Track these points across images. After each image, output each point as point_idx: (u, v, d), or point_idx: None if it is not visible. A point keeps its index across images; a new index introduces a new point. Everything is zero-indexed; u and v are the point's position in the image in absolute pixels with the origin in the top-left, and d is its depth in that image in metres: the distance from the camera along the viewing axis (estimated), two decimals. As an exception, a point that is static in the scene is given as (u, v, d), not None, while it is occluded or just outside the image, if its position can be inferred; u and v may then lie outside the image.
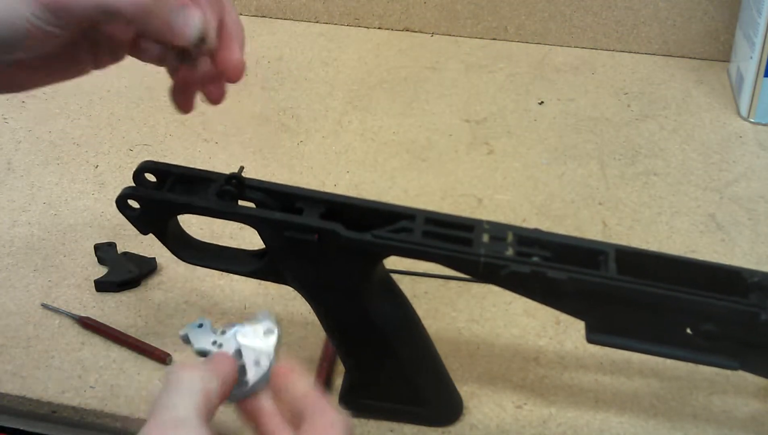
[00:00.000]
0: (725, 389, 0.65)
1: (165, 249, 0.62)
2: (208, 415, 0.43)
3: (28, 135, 0.95)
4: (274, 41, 1.13)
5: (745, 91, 0.95)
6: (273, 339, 0.49)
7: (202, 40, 0.51)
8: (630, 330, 0.56)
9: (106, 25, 0.53)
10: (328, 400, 0.46)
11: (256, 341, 0.49)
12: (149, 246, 0.77)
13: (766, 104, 0.94)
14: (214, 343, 0.49)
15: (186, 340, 0.49)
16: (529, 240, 0.56)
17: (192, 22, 0.49)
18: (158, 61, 0.57)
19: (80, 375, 0.67)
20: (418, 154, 0.92)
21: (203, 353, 0.48)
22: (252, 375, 0.48)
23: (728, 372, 0.63)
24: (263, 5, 1.18)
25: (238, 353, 0.48)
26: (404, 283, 0.62)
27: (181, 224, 0.63)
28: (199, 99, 0.57)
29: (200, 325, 0.49)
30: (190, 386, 0.43)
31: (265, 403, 0.47)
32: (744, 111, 0.96)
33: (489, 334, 0.70)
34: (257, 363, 0.48)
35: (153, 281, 0.75)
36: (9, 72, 0.52)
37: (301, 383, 0.47)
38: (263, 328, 0.49)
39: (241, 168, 0.58)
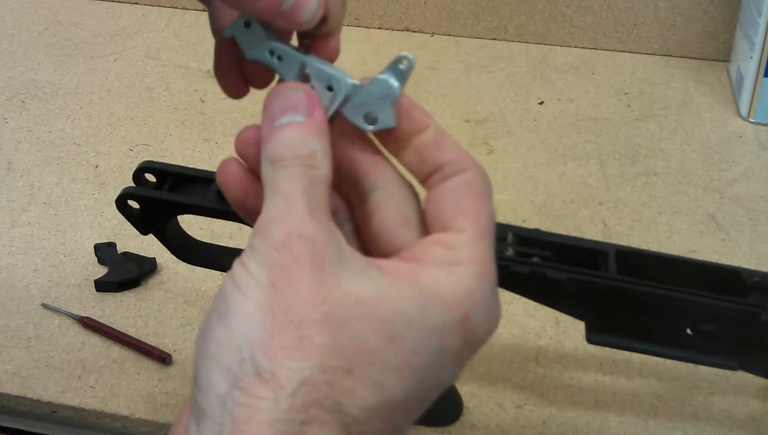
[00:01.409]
0: (725, 389, 0.65)
1: (165, 249, 0.63)
2: (323, 205, 0.36)
3: (28, 135, 0.95)
4: (274, 41, 1.13)
5: (745, 91, 0.95)
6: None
7: (322, 22, 0.40)
8: (630, 330, 0.56)
9: None
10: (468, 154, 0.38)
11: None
12: (149, 246, 0.77)
13: (766, 104, 0.94)
14: (272, 53, 0.40)
15: (230, 38, 0.40)
16: (529, 240, 0.56)
17: (307, 5, 0.38)
18: None
19: (80, 375, 0.67)
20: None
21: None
22: (325, 105, 0.38)
23: (728, 372, 0.63)
24: (263, 5, 1.18)
25: (302, 72, 0.39)
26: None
27: (181, 224, 0.63)
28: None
29: (247, 24, 0.40)
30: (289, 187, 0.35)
31: (354, 141, 0.39)
32: (744, 111, 0.96)
33: (489, 334, 0.69)
34: (329, 87, 0.39)
35: (153, 281, 0.75)
36: None
37: (433, 125, 0.39)
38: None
39: (241, 168, 0.58)
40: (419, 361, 0.33)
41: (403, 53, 0.38)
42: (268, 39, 0.40)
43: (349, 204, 0.40)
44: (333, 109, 0.39)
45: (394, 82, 0.38)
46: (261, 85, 0.44)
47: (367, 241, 0.39)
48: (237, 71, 0.43)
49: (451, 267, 0.35)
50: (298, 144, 0.36)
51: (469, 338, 0.35)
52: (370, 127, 0.39)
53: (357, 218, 0.40)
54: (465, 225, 0.37)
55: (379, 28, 1.15)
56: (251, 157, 0.39)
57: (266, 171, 0.36)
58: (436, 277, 0.35)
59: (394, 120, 0.38)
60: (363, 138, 0.39)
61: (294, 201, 0.35)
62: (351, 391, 0.32)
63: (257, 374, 0.32)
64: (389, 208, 0.38)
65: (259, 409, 0.32)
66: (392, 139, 0.39)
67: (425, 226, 0.38)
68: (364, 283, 0.34)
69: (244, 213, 0.40)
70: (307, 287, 0.33)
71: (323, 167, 0.36)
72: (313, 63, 0.39)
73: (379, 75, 0.39)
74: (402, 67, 0.38)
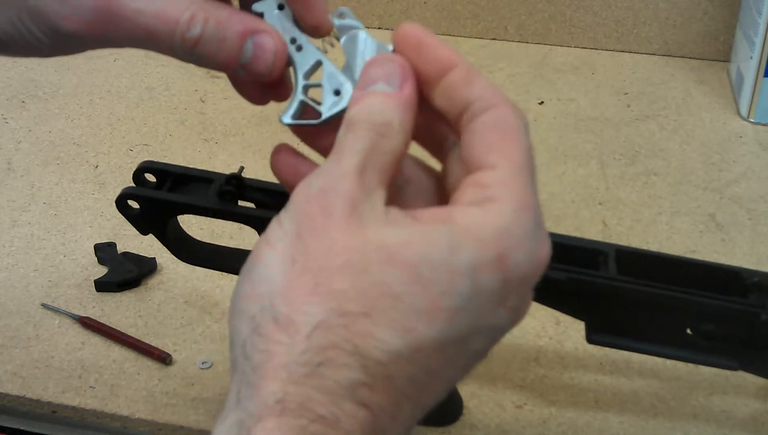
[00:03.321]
0: (725, 389, 0.65)
1: (165, 249, 0.62)
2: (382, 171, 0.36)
3: (28, 135, 0.95)
4: (274, 41, 1.13)
5: (745, 91, 0.95)
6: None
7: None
8: (630, 330, 0.56)
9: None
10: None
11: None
12: (149, 246, 0.77)
13: (766, 104, 0.94)
14: (293, 41, 0.40)
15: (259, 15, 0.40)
16: (529, 240, 0.56)
17: (265, 57, 0.40)
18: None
19: (80, 375, 0.67)
20: (418, 154, 0.91)
21: None
22: (327, 106, 0.39)
23: (728, 372, 0.63)
24: (263, 5, 1.18)
25: (315, 68, 0.40)
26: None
27: (181, 224, 0.63)
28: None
29: (281, 6, 0.40)
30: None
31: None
32: (744, 111, 0.96)
33: (489, 334, 0.69)
34: (337, 92, 0.39)
35: (153, 281, 0.75)
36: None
37: (463, 64, 0.37)
38: (375, 54, 0.39)
39: (241, 168, 0.58)
40: (450, 303, 0.33)
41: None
42: (294, 26, 0.40)
43: (427, 171, 0.40)
44: (333, 112, 0.39)
45: None
46: (278, 98, 0.44)
47: (443, 202, 0.39)
48: (253, 85, 0.44)
49: (486, 204, 0.34)
50: (376, 111, 0.36)
51: (510, 277, 0.34)
52: None
53: (439, 180, 0.40)
54: (497, 161, 0.35)
55: (379, 28, 1.15)
56: (284, 177, 0.41)
57: (340, 133, 0.37)
58: (469, 216, 0.34)
59: None
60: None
61: (344, 159, 0.35)
62: (370, 334, 0.32)
63: (275, 320, 0.32)
64: (459, 162, 0.38)
65: (275, 353, 0.32)
66: (423, 82, 0.38)
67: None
68: (390, 230, 0.34)
69: None
70: (330, 237, 0.33)
71: (395, 139, 0.36)
72: (329, 64, 0.40)
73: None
74: None
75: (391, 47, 0.39)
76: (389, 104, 0.36)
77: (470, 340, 0.34)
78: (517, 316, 0.36)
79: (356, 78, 0.39)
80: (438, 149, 0.40)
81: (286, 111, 0.40)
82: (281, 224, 0.35)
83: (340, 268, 0.33)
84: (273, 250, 0.34)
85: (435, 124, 0.39)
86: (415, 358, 0.32)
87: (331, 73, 0.39)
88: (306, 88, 0.40)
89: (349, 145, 0.35)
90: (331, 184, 0.34)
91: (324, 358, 0.32)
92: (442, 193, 0.39)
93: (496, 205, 0.34)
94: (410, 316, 0.32)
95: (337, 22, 0.40)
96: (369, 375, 0.32)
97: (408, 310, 0.32)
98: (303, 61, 0.40)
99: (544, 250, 0.36)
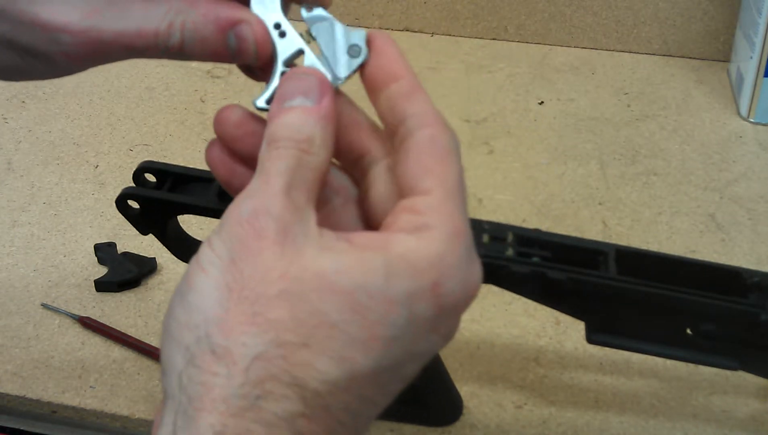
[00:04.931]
0: (725, 389, 0.65)
1: (165, 249, 0.63)
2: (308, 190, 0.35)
3: (28, 135, 0.95)
4: (274, 41, 1.13)
5: (745, 91, 0.95)
6: (355, 62, 0.39)
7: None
8: (630, 330, 0.56)
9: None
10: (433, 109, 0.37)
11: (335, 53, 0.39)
12: (149, 246, 0.77)
13: (766, 104, 0.94)
14: (278, 26, 0.40)
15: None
16: (529, 240, 0.56)
17: (246, 46, 0.40)
18: None
19: (80, 375, 0.67)
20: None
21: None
22: None
23: (728, 372, 0.63)
24: (263, 5, 1.18)
25: (296, 56, 0.40)
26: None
27: (181, 224, 0.63)
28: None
29: None
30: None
31: (355, 124, 0.40)
32: (744, 111, 0.96)
33: (489, 334, 0.70)
34: None
35: (153, 281, 0.75)
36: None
37: (408, 77, 0.38)
38: (348, 43, 0.39)
39: (241, 168, 0.58)
40: (387, 333, 0.33)
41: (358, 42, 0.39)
42: (281, 11, 0.40)
43: (353, 181, 0.40)
44: None
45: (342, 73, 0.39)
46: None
47: (367, 217, 0.39)
48: (261, 69, 0.43)
49: (421, 232, 0.34)
50: (298, 128, 0.36)
51: (443, 304, 0.34)
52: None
53: (360, 195, 0.40)
54: (431, 186, 0.35)
55: (379, 28, 1.15)
56: (227, 136, 0.42)
57: (262, 151, 0.37)
58: (405, 243, 0.34)
59: None
60: (364, 120, 0.40)
61: (272, 179, 0.35)
62: (309, 365, 0.32)
63: (212, 351, 0.32)
64: (385, 179, 0.38)
65: (213, 386, 0.31)
66: (367, 85, 0.39)
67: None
68: (327, 257, 0.33)
69: (233, 192, 0.40)
70: (265, 263, 0.33)
71: (319, 155, 0.36)
72: (311, 55, 0.40)
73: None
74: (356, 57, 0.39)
75: (364, 32, 0.39)
76: (309, 119, 0.36)
77: (403, 367, 0.34)
78: (447, 339, 0.36)
79: (334, 68, 0.39)
80: (353, 165, 0.40)
81: (261, 95, 0.40)
82: (213, 248, 0.34)
83: (278, 297, 0.32)
84: (206, 276, 0.33)
85: (352, 139, 0.39)
86: (350, 387, 0.33)
87: (311, 64, 0.39)
88: (283, 75, 0.40)
89: (275, 165, 0.35)
90: (262, 205, 0.34)
91: (263, 391, 0.31)
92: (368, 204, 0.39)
93: (430, 233, 0.34)
94: (347, 346, 0.32)
95: (305, 14, 0.40)
96: (307, 406, 0.32)
97: (345, 340, 0.32)
98: (284, 48, 0.40)
99: (476, 277, 0.36)
